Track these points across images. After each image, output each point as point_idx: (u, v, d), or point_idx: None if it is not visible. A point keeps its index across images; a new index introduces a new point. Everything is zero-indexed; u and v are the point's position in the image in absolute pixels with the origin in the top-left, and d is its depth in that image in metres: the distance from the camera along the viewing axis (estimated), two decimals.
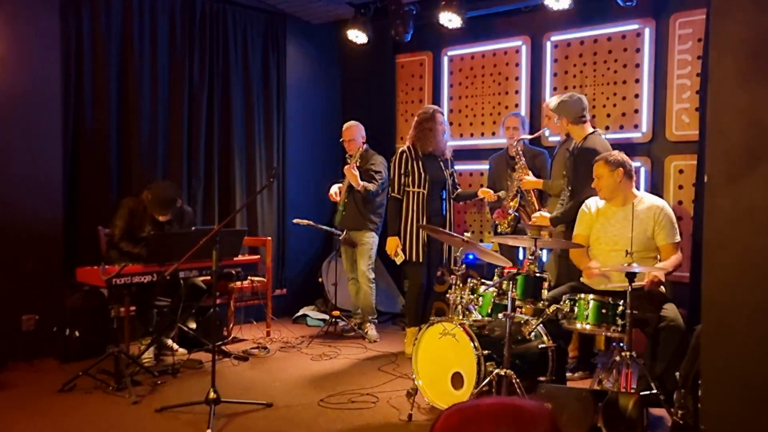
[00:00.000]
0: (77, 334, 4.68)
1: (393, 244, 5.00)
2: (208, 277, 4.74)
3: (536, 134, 5.25)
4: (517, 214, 5.04)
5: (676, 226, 3.86)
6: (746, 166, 2.27)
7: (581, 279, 4.03)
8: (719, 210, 2.34)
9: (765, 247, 2.24)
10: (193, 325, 5.13)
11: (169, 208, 4.70)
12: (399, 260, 5.01)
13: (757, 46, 2.29)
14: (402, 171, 5.01)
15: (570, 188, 4.47)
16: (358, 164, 5.41)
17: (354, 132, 5.62)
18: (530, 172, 4.92)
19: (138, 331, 4.84)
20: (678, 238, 3.83)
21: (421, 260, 4.96)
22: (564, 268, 4.54)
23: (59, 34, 4.90)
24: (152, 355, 4.70)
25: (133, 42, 5.40)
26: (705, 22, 4.76)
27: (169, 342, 4.91)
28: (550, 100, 4.88)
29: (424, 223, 4.92)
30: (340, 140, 5.67)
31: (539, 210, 4.73)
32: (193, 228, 4.98)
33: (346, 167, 5.45)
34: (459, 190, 5.29)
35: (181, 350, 4.90)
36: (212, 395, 3.57)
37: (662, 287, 3.78)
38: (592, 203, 4.04)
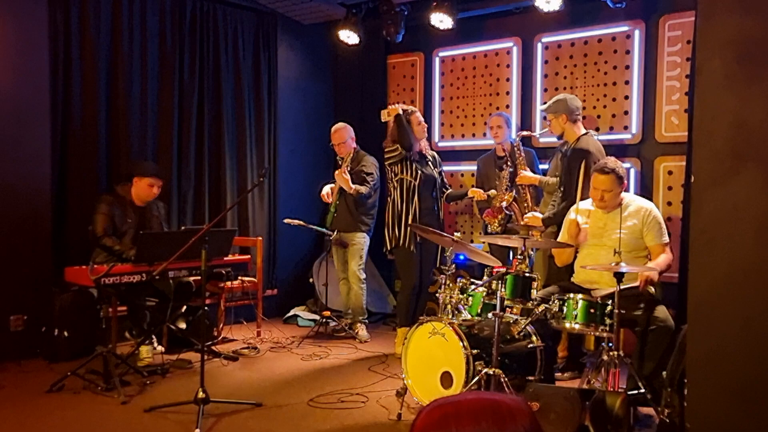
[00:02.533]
0: (66, 334, 4.66)
1: None
2: (198, 277, 4.73)
3: (544, 131, 5.12)
4: (508, 212, 5.05)
5: (664, 227, 3.88)
6: (731, 167, 2.30)
7: (571, 279, 4.04)
8: (705, 210, 2.36)
9: (749, 247, 2.26)
10: (183, 325, 5.11)
11: (152, 171, 4.86)
12: None
13: (743, 48, 2.31)
14: (399, 168, 5.02)
15: (562, 189, 4.49)
16: (349, 168, 5.42)
17: (343, 135, 5.61)
18: (528, 168, 4.94)
19: (130, 331, 4.84)
20: (666, 239, 3.85)
21: (412, 249, 4.96)
22: (554, 268, 4.56)
23: (47, 33, 4.87)
24: (151, 354, 4.68)
25: (123, 41, 5.38)
26: (694, 24, 4.79)
27: (152, 339, 4.89)
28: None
29: (414, 212, 4.92)
30: (330, 144, 5.67)
31: (532, 208, 4.75)
32: (163, 224, 5.06)
33: (337, 172, 5.45)
34: (449, 190, 5.30)
35: (159, 348, 4.89)
36: (201, 395, 3.56)
37: (652, 288, 3.81)
38: (579, 209, 4.02)
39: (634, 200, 3.95)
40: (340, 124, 5.71)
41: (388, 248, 5.12)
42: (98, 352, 4.17)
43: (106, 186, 5.31)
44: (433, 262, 5.14)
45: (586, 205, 4.04)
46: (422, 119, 5.14)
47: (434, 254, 5.09)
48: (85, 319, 4.74)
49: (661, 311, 3.65)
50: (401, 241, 4.98)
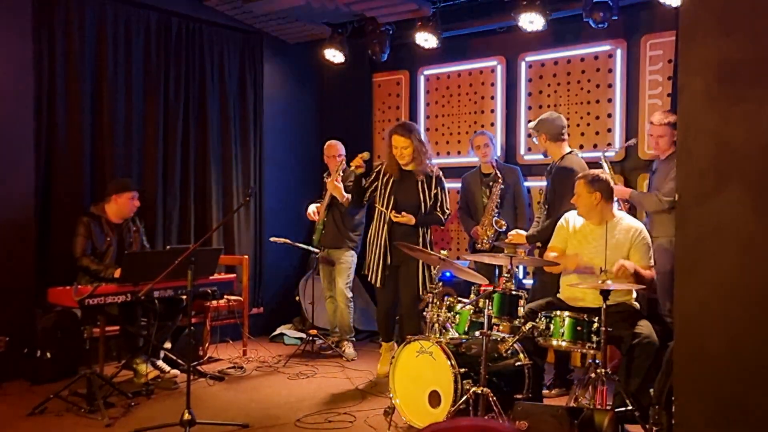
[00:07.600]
0: (48, 355, 4.59)
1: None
2: (184, 297, 4.69)
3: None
4: (500, 229, 5.07)
5: (651, 251, 3.91)
6: (715, 186, 2.33)
7: (558, 295, 4.06)
8: (689, 228, 2.39)
9: (734, 264, 2.29)
10: (169, 345, 5.06)
11: (131, 185, 4.87)
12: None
13: (724, 69, 2.35)
14: (371, 181, 4.90)
15: (547, 206, 4.53)
16: (338, 181, 5.41)
17: (338, 148, 5.69)
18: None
19: (123, 353, 4.78)
20: (651, 262, 3.87)
21: (380, 285, 4.80)
22: (540, 285, 4.58)
23: (32, 53, 4.84)
24: (148, 370, 4.60)
25: (108, 60, 5.36)
26: (675, 43, 4.88)
27: (160, 363, 4.83)
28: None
29: (385, 244, 4.75)
30: (333, 156, 5.67)
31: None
32: (144, 239, 5.05)
33: (329, 180, 5.43)
34: (448, 212, 4.94)
35: (160, 363, 4.82)
36: (187, 417, 3.51)
37: (636, 304, 3.84)
38: (571, 218, 4.09)
39: (623, 219, 3.96)
40: (334, 141, 5.79)
41: (365, 274, 5.01)
42: (82, 373, 4.11)
43: (90, 206, 5.26)
44: (414, 279, 4.95)
45: (573, 215, 4.08)
46: (398, 146, 4.73)
47: (415, 271, 4.90)
48: (68, 340, 4.67)
49: (645, 326, 3.68)
50: (371, 276, 4.86)
